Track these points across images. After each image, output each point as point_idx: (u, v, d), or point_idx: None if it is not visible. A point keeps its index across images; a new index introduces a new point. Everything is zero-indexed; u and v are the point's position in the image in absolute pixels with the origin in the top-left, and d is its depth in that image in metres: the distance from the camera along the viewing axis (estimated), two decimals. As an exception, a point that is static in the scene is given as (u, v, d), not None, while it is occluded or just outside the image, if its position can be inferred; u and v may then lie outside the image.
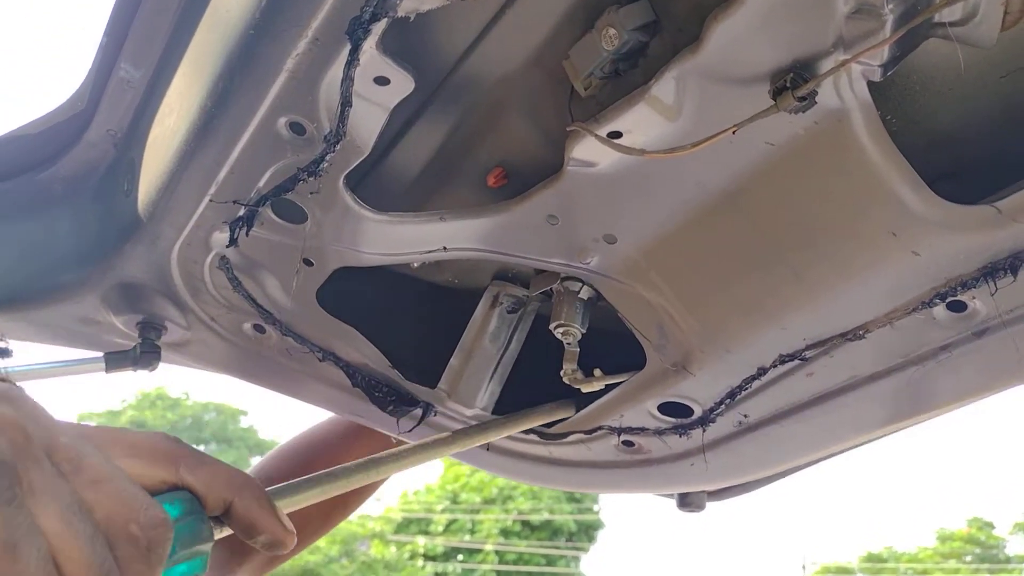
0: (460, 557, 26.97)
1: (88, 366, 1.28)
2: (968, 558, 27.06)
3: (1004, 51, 0.83)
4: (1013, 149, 0.87)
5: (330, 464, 1.51)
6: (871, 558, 28.62)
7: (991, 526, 27.77)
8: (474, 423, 1.20)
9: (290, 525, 0.63)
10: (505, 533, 26.73)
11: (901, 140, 0.80)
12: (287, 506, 0.83)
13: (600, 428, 1.18)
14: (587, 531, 27.83)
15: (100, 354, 1.28)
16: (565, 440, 1.22)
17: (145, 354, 1.24)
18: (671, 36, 0.83)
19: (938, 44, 0.81)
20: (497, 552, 26.41)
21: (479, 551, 26.50)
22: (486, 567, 26.15)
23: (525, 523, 27.01)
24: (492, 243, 1.02)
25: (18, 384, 0.67)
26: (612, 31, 0.85)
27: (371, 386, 1.24)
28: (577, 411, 1.18)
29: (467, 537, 26.73)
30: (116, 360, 1.26)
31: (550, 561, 27.03)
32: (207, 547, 0.60)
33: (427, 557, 26.61)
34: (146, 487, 0.56)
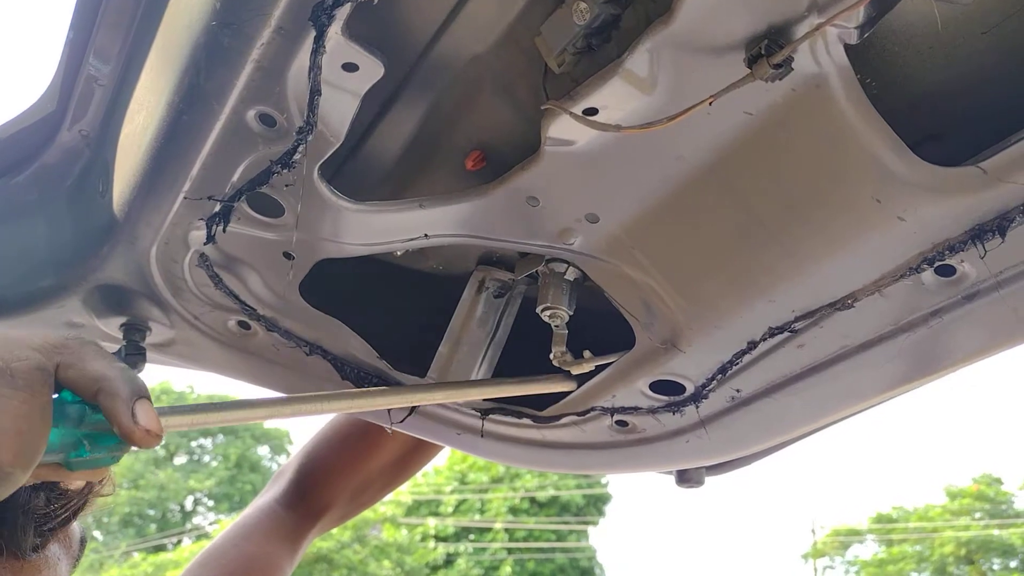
0: (471, 537, 27.14)
1: (74, 371, 1.26)
2: (977, 514, 27.23)
3: (983, 7, 0.81)
4: (997, 106, 0.85)
5: (369, 450, 1.52)
6: (881, 519, 28.79)
7: (999, 482, 27.92)
8: (473, 379, 1.18)
9: (151, 426, 0.69)
10: (514, 511, 26.87)
11: (882, 103, 0.79)
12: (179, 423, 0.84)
13: (593, 409, 1.17)
14: (595, 504, 27.98)
15: (85, 359, 1.26)
16: (558, 423, 1.21)
17: (130, 356, 1.22)
18: (643, 7, 0.81)
19: (916, 3, 0.79)
20: (507, 530, 26.56)
21: (489, 530, 26.65)
22: (496, 545, 26.31)
23: (534, 500, 27.16)
24: (473, 228, 1.01)
25: None
26: (583, 5, 0.83)
27: (360, 378, 1.23)
28: (579, 386, 1.17)
29: (477, 517, 26.87)
30: (101, 364, 1.24)
31: (560, 536, 27.20)
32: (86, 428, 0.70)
33: (438, 538, 26.75)
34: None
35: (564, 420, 1.20)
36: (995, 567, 26.49)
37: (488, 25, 0.92)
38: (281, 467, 1.60)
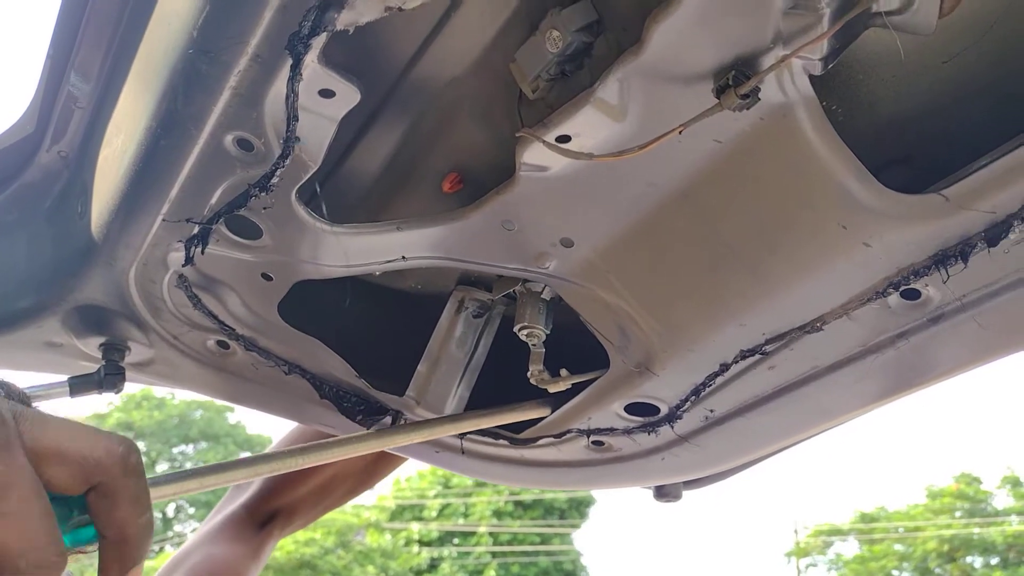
0: (455, 541, 27.10)
1: (52, 392, 1.27)
2: (958, 513, 27.46)
3: (945, 36, 0.82)
4: (960, 132, 0.87)
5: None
6: (863, 518, 28.98)
7: (979, 481, 28.17)
8: (448, 415, 1.20)
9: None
10: (498, 514, 26.86)
11: (847, 128, 0.80)
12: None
13: (569, 431, 1.19)
14: (579, 507, 28.02)
15: (64, 379, 1.26)
16: (536, 444, 1.22)
17: (109, 376, 1.23)
18: (615, 35, 0.83)
19: (879, 32, 0.81)
20: (491, 534, 26.55)
21: (473, 534, 26.63)
22: (481, 549, 26.29)
23: (518, 503, 27.17)
24: (450, 251, 1.02)
25: None
26: (555, 33, 0.84)
27: (339, 397, 1.24)
28: (553, 411, 1.18)
29: (461, 521, 26.85)
30: (80, 384, 1.24)
31: (544, 539, 27.20)
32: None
33: (422, 543, 26.70)
34: (64, 491, 0.65)
35: (541, 442, 1.22)
36: (976, 565, 26.71)
37: (464, 51, 0.93)
38: None
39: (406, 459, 1.60)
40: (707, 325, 0.97)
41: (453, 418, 1.17)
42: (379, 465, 1.62)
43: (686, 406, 1.08)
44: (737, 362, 1.00)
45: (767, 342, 0.96)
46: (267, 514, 1.55)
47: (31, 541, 0.60)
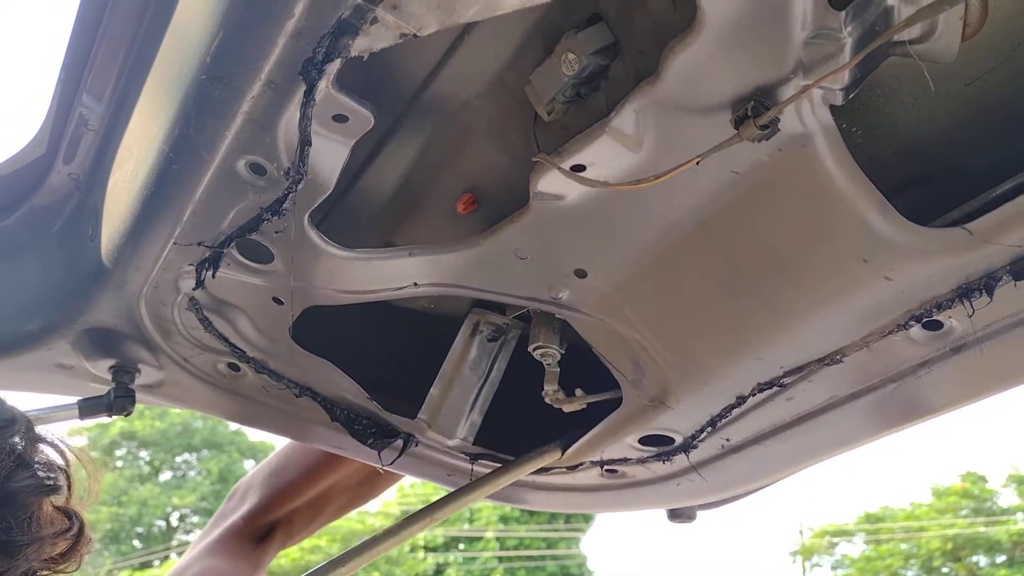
0: (461, 546, 27.05)
1: (62, 413, 1.26)
2: (963, 512, 27.33)
3: (967, 59, 0.81)
4: (981, 154, 0.86)
5: (332, 467, 1.54)
6: (869, 518, 28.87)
7: (984, 479, 28.03)
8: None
9: None
10: (504, 519, 26.82)
11: (866, 151, 0.79)
12: None
13: (582, 463, 1.18)
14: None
15: (74, 400, 1.26)
16: (548, 472, 1.21)
17: (119, 399, 1.22)
18: (631, 58, 0.82)
19: (901, 59, 0.80)
20: (497, 539, 26.49)
21: (479, 539, 26.57)
22: (487, 554, 26.24)
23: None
24: (461, 279, 1.01)
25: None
26: (571, 56, 0.83)
27: (350, 419, 1.23)
28: (563, 453, 1.17)
29: (466, 526, 26.80)
30: (90, 407, 1.24)
31: (550, 544, 27.13)
32: None
33: (428, 549, 26.66)
34: None
35: (553, 471, 1.21)
36: (981, 563, 26.59)
37: (477, 73, 0.93)
38: (240, 481, 1.61)
39: (402, 476, 1.59)
40: (724, 359, 0.96)
41: (478, 483, 1.18)
42: (375, 480, 1.61)
43: (702, 436, 1.07)
44: (754, 394, 0.98)
45: (785, 375, 0.95)
46: (265, 527, 1.54)
47: None
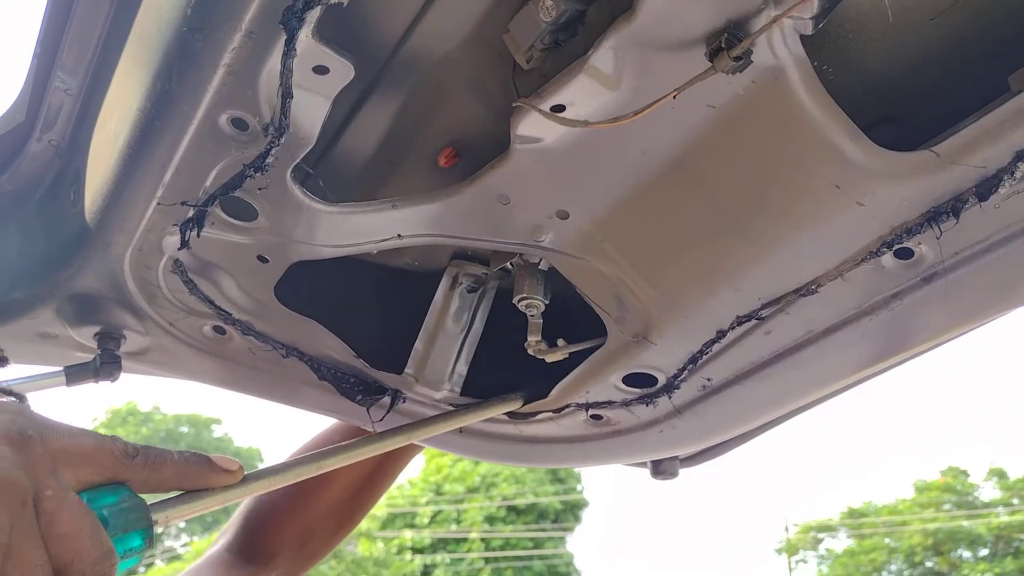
0: (448, 547, 27.01)
1: (49, 381, 1.26)
2: (946, 506, 27.63)
3: None
4: (947, 88, 0.89)
5: (315, 490, 1.52)
6: (852, 513, 29.10)
7: (966, 474, 28.34)
8: (430, 414, 1.20)
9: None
10: (491, 520, 26.80)
11: (838, 88, 0.81)
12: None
13: (568, 406, 1.19)
14: (572, 511, 27.99)
15: (60, 368, 1.26)
16: (534, 419, 1.23)
17: (105, 365, 1.22)
18: (608, 3, 0.83)
19: (867, -7, 0.82)
20: (484, 539, 26.49)
21: (466, 540, 26.55)
22: (474, 555, 26.23)
23: (511, 508, 27.10)
24: (446, 227, 1.02)
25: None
26: (549, 2, 0.84)
27: (338, 378, 1.24)
28: (524, 403, 1.19)
29: (453, 527, 26.77)
30: (76, 373, 1.24)
31: (537, 544, 27.16)
32: (143, 523, 0.76)
33: (415, 550, 26.61)
34: (93, 485, 0.73)
35: (540, 416, 1.22)
36: (964, 557, 26.86)
37: (457, 23, 0.94)
38: (234, 514, 1.59)
39: (382, 495, 1.61)
40: (703, 291, 0.98)
41: (437, 419, 1.16)
42: (357, 504, 1.58)
43: (684, 375, 1.09)
44: (734, 328, 1.00)
45: (763, 307, 0.97)
46: (252, 557, 1.48)
47: (89, 555, 0.67)
